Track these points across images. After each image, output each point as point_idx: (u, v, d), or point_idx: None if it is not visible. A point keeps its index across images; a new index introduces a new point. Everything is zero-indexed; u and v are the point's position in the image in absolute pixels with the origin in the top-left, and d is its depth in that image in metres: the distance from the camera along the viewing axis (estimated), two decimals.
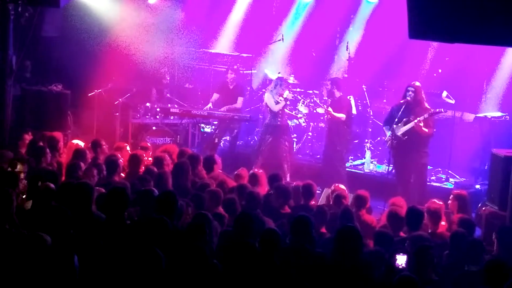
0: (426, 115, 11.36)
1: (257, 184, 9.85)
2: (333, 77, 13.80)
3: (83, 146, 11.09)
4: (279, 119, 12.99)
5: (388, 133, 11.70)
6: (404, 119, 11.48)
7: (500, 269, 6.47)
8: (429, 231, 8.53)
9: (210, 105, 14.13)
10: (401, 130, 11.51)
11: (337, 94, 12.68)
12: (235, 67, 14.63)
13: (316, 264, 6.68)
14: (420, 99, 11.54)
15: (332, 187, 10.04)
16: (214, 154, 11.49)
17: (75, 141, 11.51)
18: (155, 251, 5.96)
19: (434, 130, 11.60)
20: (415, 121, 11.33)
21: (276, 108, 12.89)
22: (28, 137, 11.29)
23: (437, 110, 11.58)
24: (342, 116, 12.50)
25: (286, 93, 12.99)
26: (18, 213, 7.60)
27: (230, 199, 8.74)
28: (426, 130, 11.38)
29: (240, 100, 14.20)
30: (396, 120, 11.52)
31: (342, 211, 8.63)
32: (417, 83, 11.64)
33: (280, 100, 12.87)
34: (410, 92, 11.50)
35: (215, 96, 14.40)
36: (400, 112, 11.50)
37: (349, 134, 13.07)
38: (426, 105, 11.58)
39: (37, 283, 5.70)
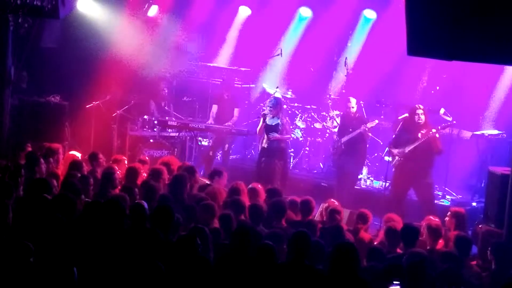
0: (439, 127, 11.65)
1: (256, 198, 9.80)
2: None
3: (80, 158, 11.07)
4: (275, 142, 12.49)
5: (395, 151, 11.87)
6: (412, 137, 11.67)
7: None
8: (428, 247, 8.51)
9: (210, 120, 14.04)
10: (410, 147, 11.66)
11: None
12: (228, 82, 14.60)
13: (315, 281, 6.64)
14: (428, 120, 11.80)
15: (326, 203, 10.04)
16: (222, 168, 11.21)
17: (72, 152, 11.49)
18: (155, 263, 5.96)
19: None
20: (433, 131, 11.49)
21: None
22: (27, 147, 11.24)
23: (448, 123, 12.00)
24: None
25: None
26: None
27: (226, 215, 8.68)
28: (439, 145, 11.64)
29: (236, 111, 14.22)
30: (404, 140, 11.76)
31: (332, 227, 8.66)
32: (421, 106, 11.82)
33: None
34: (420, 115, 11.66)
35: (215, 108, 14.39)
36: (406, 133, 11.80)
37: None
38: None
39: None
